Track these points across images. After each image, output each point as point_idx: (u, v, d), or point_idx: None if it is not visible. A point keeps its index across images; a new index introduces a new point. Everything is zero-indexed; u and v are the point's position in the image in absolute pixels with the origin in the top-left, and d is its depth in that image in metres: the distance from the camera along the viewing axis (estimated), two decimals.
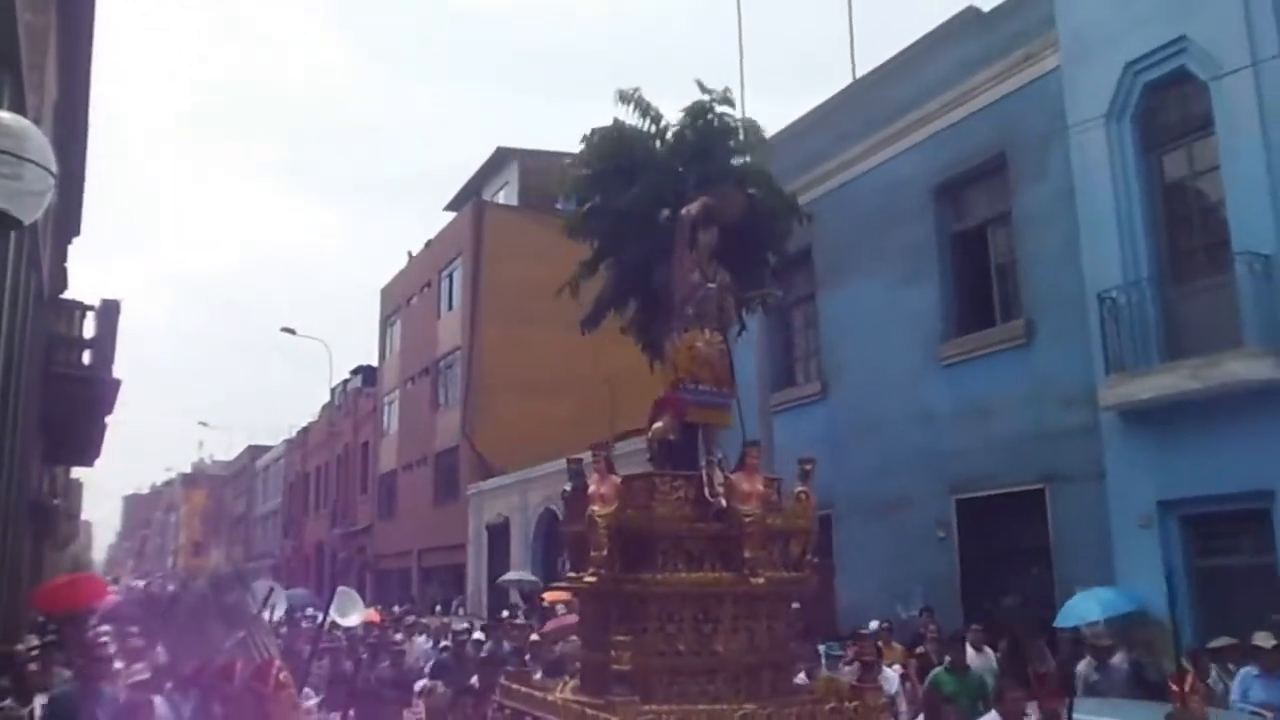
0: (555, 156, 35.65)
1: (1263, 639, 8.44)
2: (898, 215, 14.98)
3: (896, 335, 14.72)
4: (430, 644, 15.68)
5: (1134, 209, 11.81)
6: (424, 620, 20.16)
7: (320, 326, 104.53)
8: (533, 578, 22.90)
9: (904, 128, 15.09)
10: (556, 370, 30.13)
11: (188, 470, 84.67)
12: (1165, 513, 11.19)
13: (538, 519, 26.59)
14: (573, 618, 14.86)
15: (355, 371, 46.89)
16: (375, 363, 43.29)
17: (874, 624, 12.43)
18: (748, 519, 5.42)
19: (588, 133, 11.76)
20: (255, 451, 64.05)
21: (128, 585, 47.04)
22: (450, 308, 34.76)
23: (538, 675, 6.82)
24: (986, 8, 14.57)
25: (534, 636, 12.61)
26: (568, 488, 6.17)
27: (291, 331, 41.28)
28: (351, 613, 15.67)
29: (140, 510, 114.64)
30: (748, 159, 12.60)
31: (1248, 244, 10.50)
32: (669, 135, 12.20)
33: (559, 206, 34.36)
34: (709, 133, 11.92)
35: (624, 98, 11.67)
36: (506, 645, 12.53)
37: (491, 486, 29.41)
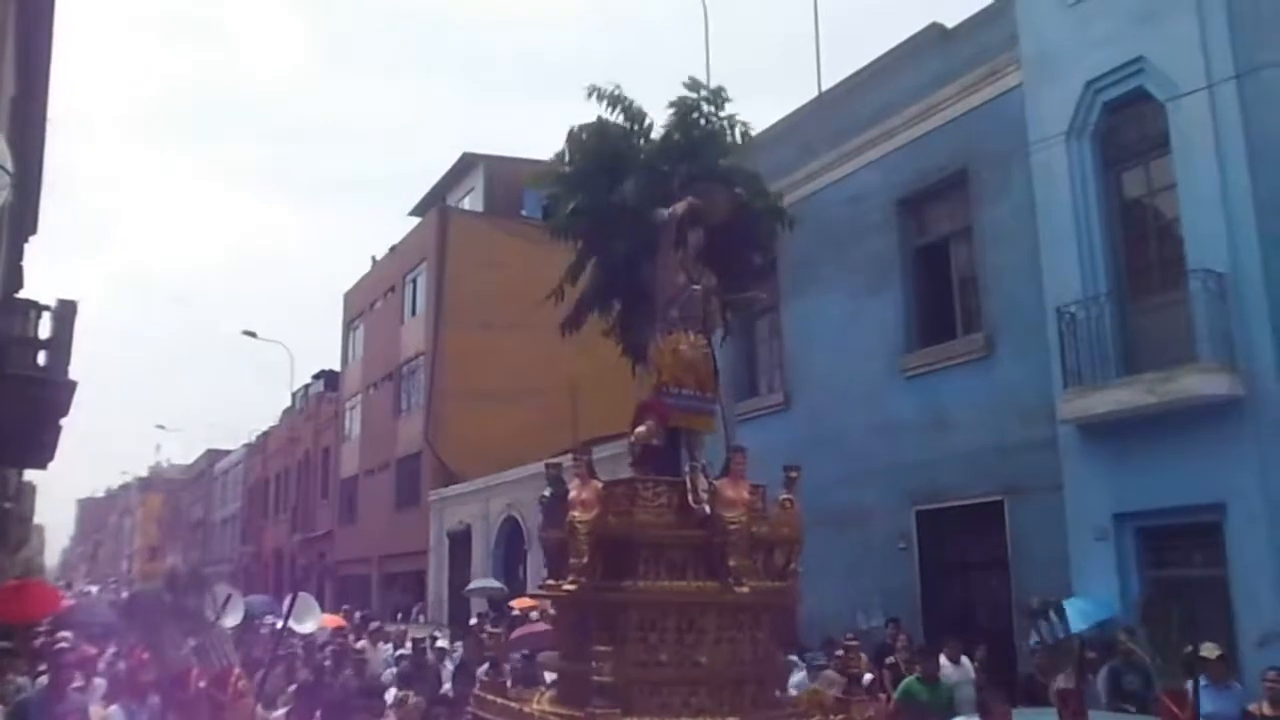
0: (521, 163, 35.66)
1: (1209, 650, 8.58)
2: (862, 228, 15.12)
3: (860, 347, 14.84)
4: (393, 651, 15.46)
5: (1093, 225, 11.99)
6: (387, 628, 19.87)
7: (282, 330, 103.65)
8: (499, 585, 22.65)
9: (868, 141, 15.24)
10: (520, 377, 30.09)
11: (144, 474, 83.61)
12: (1121, 525, 11.34)
13: (500, 526, 26.51)
14: (542, 625, 14.70)
15: (317, 376, 46.55)
16: (338, 367, 42.99)
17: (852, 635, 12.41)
18: (732, 526, 5.29)
19: (573, 128, 11.27)
20: (214, 456, 63.36)
21: (81, 590, 46.29)
22: (414, 313, 34.61)
23: (510, 685, 6.54)
24: (951, 25, 14.76)
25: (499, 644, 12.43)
26: (546, 493, 6.00)
27: (253, 335, 40.97)
28: (308, 619, 15.43)
29: (95, 514, 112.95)
30: (733, 160, 12.22)
31: (1202, 261, 10.69)
32: (652, 134, 11.81)
33: (524, 213, 34.55)
34: (696, 131, 11.51)
35: (599, 95, 11.22)
36: (480, 654, 12.22)
37: (453, 493, 29.28)
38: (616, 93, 10.52)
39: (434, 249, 32.76)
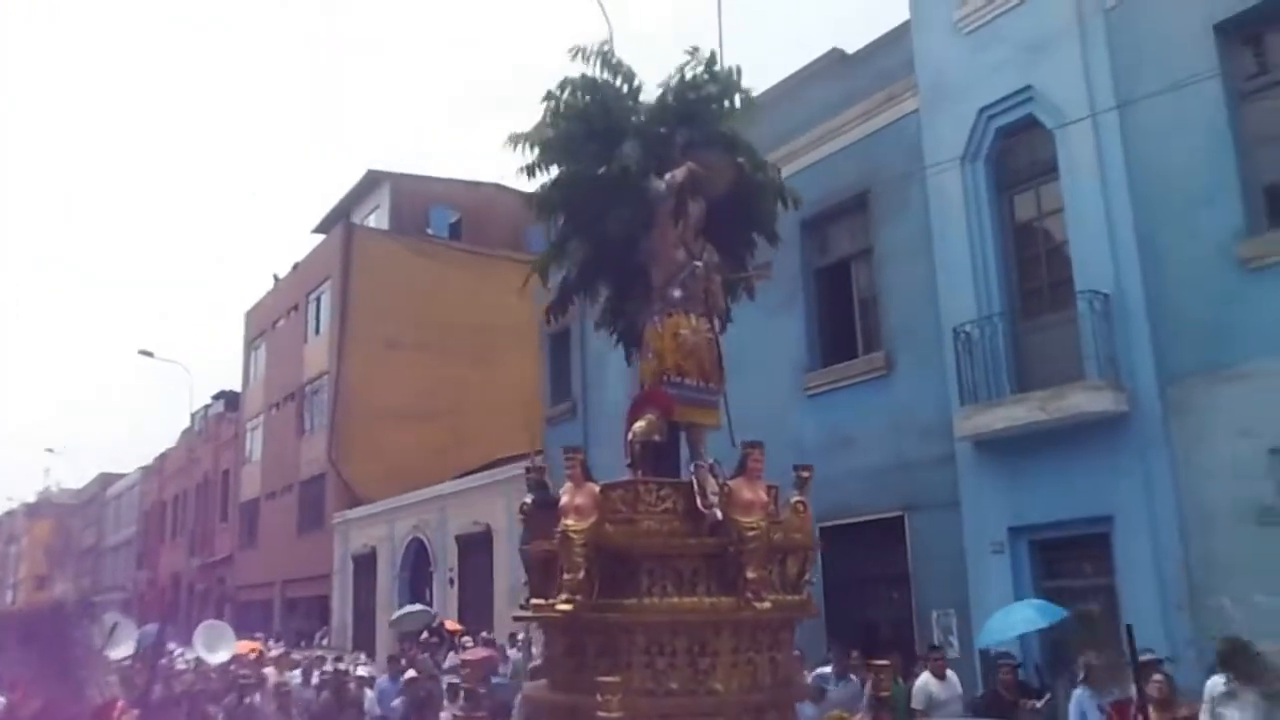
0: (428, 181, 35.48)
1: (1093, 657, 8.85)
2: (768, 247, 15.26)
3: (769, 364, 14.98)
4: (301, 680, 14.36)
5: (987, 247, 12.35)
6: (294, 654, 19.03)
7: (180, 349, 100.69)
8: (431, 610, 21.39)
9: (773, 162, 15.41)
10: (426, 397, 29.84)
11: (32, 499, 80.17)
12: (1016, 538, 11.65)
13: (406, 548, 26.10)
14: (482, 651, 14.22)
15: (217, 396, 45.38)
16: (238, 387, 41.95)
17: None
18: (751, 533, 4.66)
19: (553, 88, 8.85)
20: (107, 479, 61.14)
21: None
22: (318, 332, 33.98)
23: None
24: (851, 50, 15.09)
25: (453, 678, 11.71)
26: (528, 500, 5.37)
27: (149, 354, 39.79)
28: (220, 648, 14.61)
29: None
30: (733, 126, 10.49)
31: (1089, 283, 11.09)
32: (640, 96, 9.99)
33: (431, 231, 34.25)
34: (692, 95, 9.25)
35: (584, 54, 8.82)
36: (425, 685, 11.65)
37: (358, 515, 28.76)
38: (605, 49, 8.92)
39: (338, 267, 32.25)
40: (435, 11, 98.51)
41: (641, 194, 5.99)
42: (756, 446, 5.04)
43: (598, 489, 4.81)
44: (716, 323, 5.78)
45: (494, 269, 31.40)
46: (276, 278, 39.49)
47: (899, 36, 13.91)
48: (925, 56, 13.30)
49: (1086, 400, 10.76)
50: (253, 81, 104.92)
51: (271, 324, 38.37)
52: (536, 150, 7.07)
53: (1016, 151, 12.47)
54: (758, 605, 4.60)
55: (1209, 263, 10.29)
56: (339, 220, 35.18)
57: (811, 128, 14.82)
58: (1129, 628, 7.14)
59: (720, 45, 8.00)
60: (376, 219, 35.16)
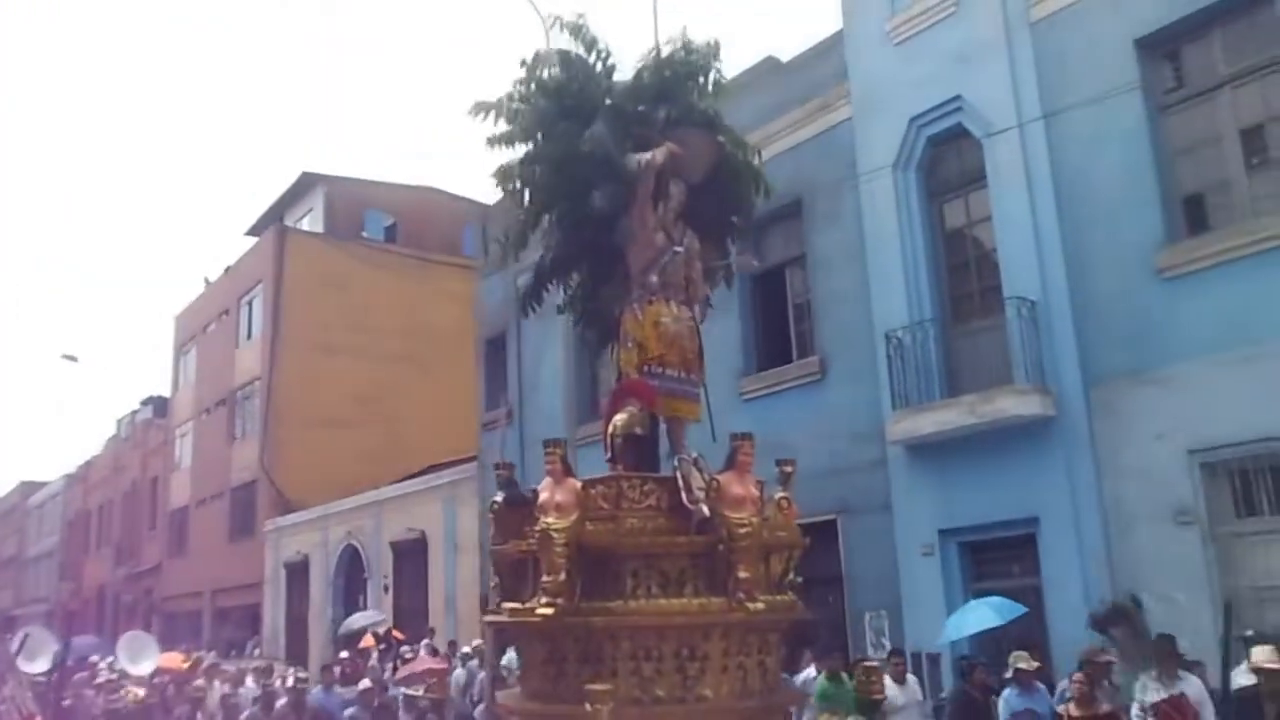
0: (363, 184, 35.10)
1: (1022, 660, 9.01)
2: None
3: (707, 368, 15.06)
4: (229, 690, 13.96)
5: (918, 254, 12.55)
6: (224, 665, 18.49)
7: (107, 354, 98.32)
8: (382, 616, 20.73)
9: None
10: (360, 402, 29.57)
11: None
12: (945, 540, 11.84)
13: (339, 555, 25.77)
14: (431, 661, 13.80)
15: (145, 402, 44.42)
16: (167, 393, 41.10)
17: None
18: (742, 530, 4.44)
19: (526, 58, 8.20)
20: (28, 488, 59.40)
21: None
22: (249, 336, 33.42)
23: None
24: (785, 59, 15.24)
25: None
26: (498, 498, 5.07)
27: (73, 359, 38.81)
28: (144, 659, 14.28)
29: None
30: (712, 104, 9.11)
31: (1017, 289, 11.33)
32: (615, 75, 8.31)
33: (366, 235, 33.88)
34: (668, 71, 8.07)
35: (562, 24, 8.18)
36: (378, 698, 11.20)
37: (290, 522, 28.33)
38: (580, 23, 8.10)
39: (271, 270, 31.76)
40: (374, 11, 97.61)
41: (617, 174, 5.68)
42: (746, 439, 4.79)
43: (579, 484, 4.54)
44: (698, 311, 5.60)
45: (430, 273, 31.21)
46: (207, 281, 38.82)
47: (832, 46, 14.09)
48: (857, 66, 13.48)
49: (1014, 404, 10.97)
50: (179, 77, 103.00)
51: (202, 328, 37.68)
52: (502, 120, 6.65)
53: (946, 160, 12.70)
54: (750, 606, 4.39)
55: (1131, 270, 10.57)
56: (272, 223, 34.67)
57: (746, 134, 14.87)
58: (1227, 606, 7.19)
59: (658, 53, 7.48)
60: (310, 222, 34.71)
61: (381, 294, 30.64)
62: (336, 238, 32.77)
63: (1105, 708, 7.89)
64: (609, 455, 4.87)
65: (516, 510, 4.79)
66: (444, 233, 33.33)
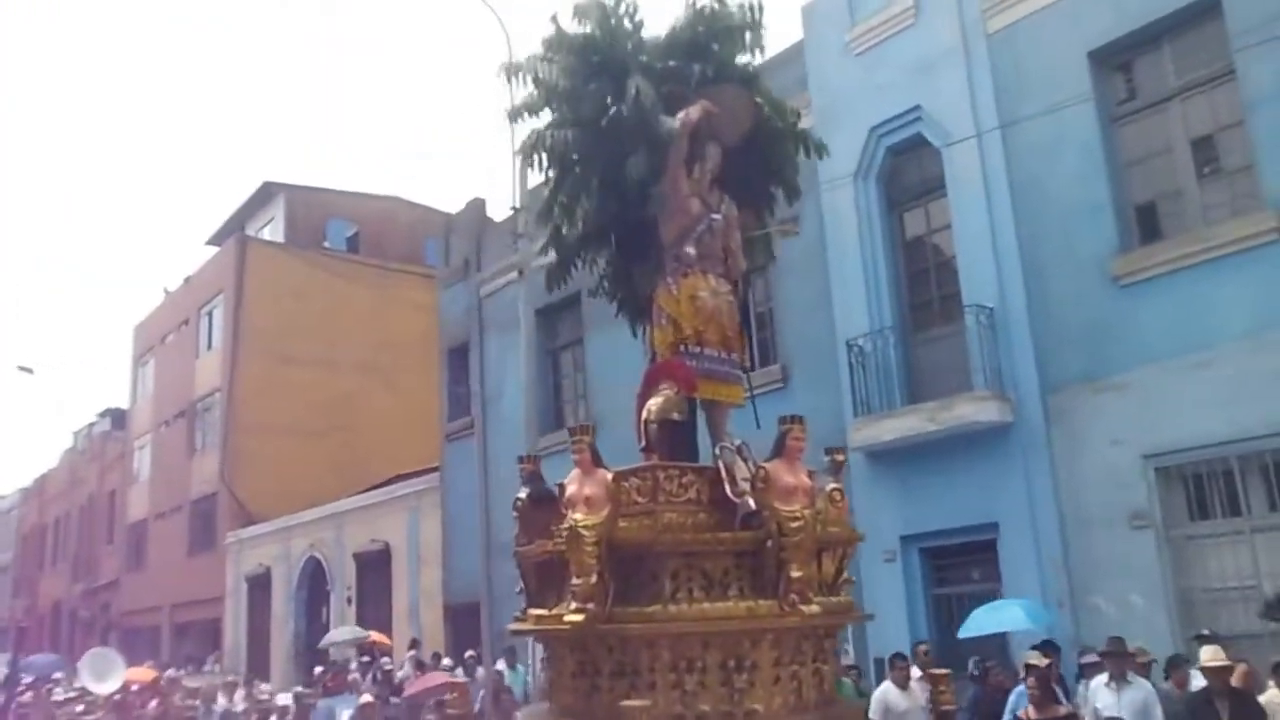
0: (324, 193, 34.91)
1: (1033, 658, 9.04)
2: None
3: None
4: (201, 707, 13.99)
5: (878, 262, 12.67)
6: (188, 681, 18.15)
7: (62, 365, 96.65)
8: (364, 632, 19.89)
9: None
10: (322, 413, 29.34)
11: None
12: (907, 546, 11.94)
13: (302, 567, 25.52)
14: (441, 676, 13.39)
15: (103, 414, 43.81)
16: (125, 405, 40.55)
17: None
18: (794, 524, 4.00)
19: (552, 16, 7.28)
20: None
21: None
22: (210, 347, 33.05)
23: None
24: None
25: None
26: (522, 494, 4.68)
27: (29, 370, 38.28)
28: (109, 676, 13.96)
29: None
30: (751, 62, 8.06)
31: (975, 297, 11.47)
32: (643, 32, 7.32)
33: (327, 244, 33.68)
34: (702, 27, 7.02)
35: None
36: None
37: (252, 535, 28.02)
38: None
39: (231, 280, 31.45)
40: (339, 20, 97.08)
41: (654, 138, 5.17)
42: (797, 421, 4.34)
43: (610, 476, 4.12)
44: (739, 285, 5.11)
45: (393, 282, 31.03)
46: (167, 291, 38.36)
47: (793, 56, 14.18)
48: (818, 76, 13.59)
49: (973, 411, 11.09)
50: (138, 86, 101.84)
51: (161, 339, 37.23)
52: (529, 83, 6.00)
53: (906, 169, 12.84)
54: (804, 610, 3.91)
55: (1086, 278, 10.74)
56: (233, 232, 34.36)
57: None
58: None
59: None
60: (271, 231, 34.44)
61: (343, 304, 30.44)
62: (298, 247, 32.54)
63: (1063, 710, 7.97)
64: (643, 444, 4.43)
65: (542, 507, 4.40)
66: (406, 242, 33.16)
